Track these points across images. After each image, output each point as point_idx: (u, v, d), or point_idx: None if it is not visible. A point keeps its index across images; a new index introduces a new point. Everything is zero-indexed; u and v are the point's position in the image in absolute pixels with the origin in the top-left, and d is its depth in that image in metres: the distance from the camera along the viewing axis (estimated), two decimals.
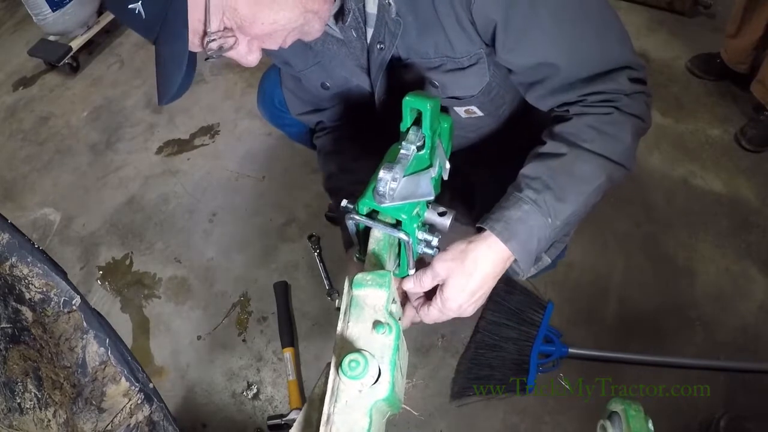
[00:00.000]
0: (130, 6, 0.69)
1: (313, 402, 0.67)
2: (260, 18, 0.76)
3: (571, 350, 1.61)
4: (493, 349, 1.63)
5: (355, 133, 1.28)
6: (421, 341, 1.71)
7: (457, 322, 0.96)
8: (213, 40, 0.75)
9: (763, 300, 1.74)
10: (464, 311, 0.90)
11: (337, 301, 0.71)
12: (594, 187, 0.89)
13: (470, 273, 0.86)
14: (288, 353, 1.68)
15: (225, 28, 0.76)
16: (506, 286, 1.71)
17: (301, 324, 1.79)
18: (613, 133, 0.89)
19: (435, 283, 0.88)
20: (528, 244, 0.87)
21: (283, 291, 1.83)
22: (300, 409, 1.56)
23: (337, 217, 1.98)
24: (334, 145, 1.30)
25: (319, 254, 1.93)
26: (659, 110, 2.29)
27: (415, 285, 0.89)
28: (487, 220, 0.88)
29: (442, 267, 0.87)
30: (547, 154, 0.90)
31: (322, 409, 0.60)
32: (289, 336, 1.73)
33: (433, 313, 0.91)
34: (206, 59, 0.78)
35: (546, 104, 0.97)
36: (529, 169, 0.91)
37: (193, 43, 0.75)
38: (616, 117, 0.89)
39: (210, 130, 2.43)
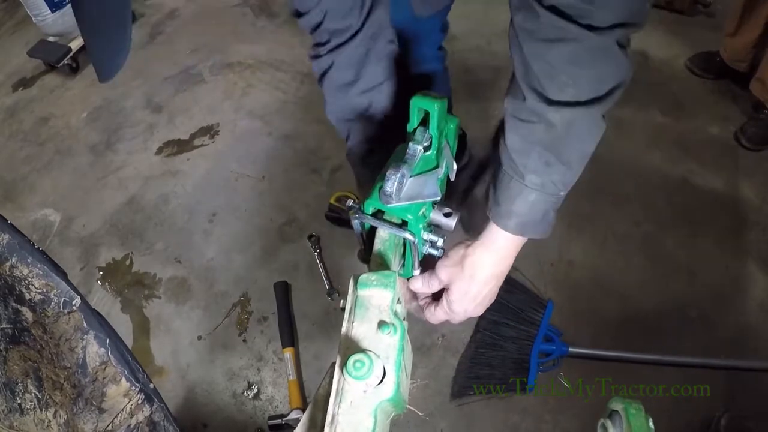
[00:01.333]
0: None
1: (317, 402, 0.67)
2: None
3: (571, 349, 1.61)
4: (494, 349, 1.63)
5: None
6: (422, 341, 1.71)
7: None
8: None
9: (763, 298, 1.74)
10: (471, 313, 0.89)
11: (341, 301, 0.70)
12: (598, 136, 0.80)
13: (471, 277, 0.85)
14: (288, 353, 1.69)
15: None
16: (506, 285, 1.70)
17: (301, 324, 1.79)
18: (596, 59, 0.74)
19: (441, 287, 0.88)
20: (543, 223, 0.83)
21: (283, 291, 1.83)
22: (300, 409, 1.57)
23: (336, 218, 1.98)
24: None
25: (319, 254, 1.93)
26: (659, 109, 2.29)
27: (423, 286, 0.89)
28: (497, 216, 0.83)
29: (444, 273, 0.86)
30: (535, 116, 0.78)
31: (326, 410, 0.60)
32: (289, 336, 1.73)
33: (439, 315, 0.90)
34: None
35: None
36: (519, 144, 0.80)
37: None
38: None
39: (210, 131, 2.43)
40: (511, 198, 0.81)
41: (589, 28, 0.70)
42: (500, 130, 0.84)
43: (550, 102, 0.75)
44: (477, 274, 0.85)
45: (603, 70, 0.74)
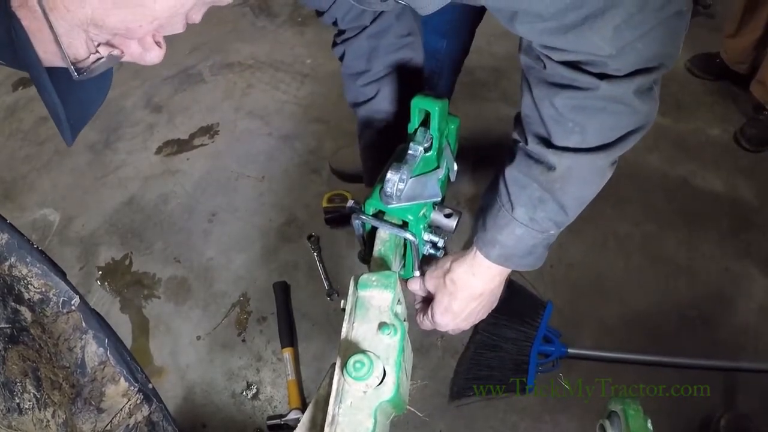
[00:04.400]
0: None
1: (317, 402, 0.67)
2: (135, 21, 0.59)
3: (570, 350, 1.61)
4: (493, 350, 1.63)
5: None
6: (421, 341, 1.70)
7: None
8: (92, 62, 0.62)
9: (763, 299, 1.74)
10: (456, 327, 0.88)
11: (342, 301, 0.69)
12: (599, 185, 0.78)
13: (451, 294, 0.84)
14: (287, 353, 1.68)
15: (100, 45, 0.62)
16: (505, 286, 1.71)
17: (300, 324, 1.79)
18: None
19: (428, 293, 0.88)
20: (529, 257, 0.82)
21: (282, 291, 1.83)
22: (299, 409, 1.57)
23: (334, 218, 1.97)
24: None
25: (319, 254, 1.92)
26: (659, 110, 2.29)
27: (420, 288, 0.89)
28: (481, 242, 0.82)
29: (430, 282, 0.86)
30: (536, 158, 0.76)
31: (326, 410, 0.60)
32: (288, 336, 1.73)
33: (426, 324, 0.90)
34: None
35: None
36: (515, 175, 0.78)
37: (74, 75, 0.62)
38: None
39: (209, 130, 2.43)
40: (499, 227, 0.80)
41: (601, 77, 0.67)
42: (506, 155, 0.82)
43: (553, 147, 0.73)
44: (457, 292, 0.84)
45: (615, 119, 0.71)
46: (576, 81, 0.68)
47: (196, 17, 0.68)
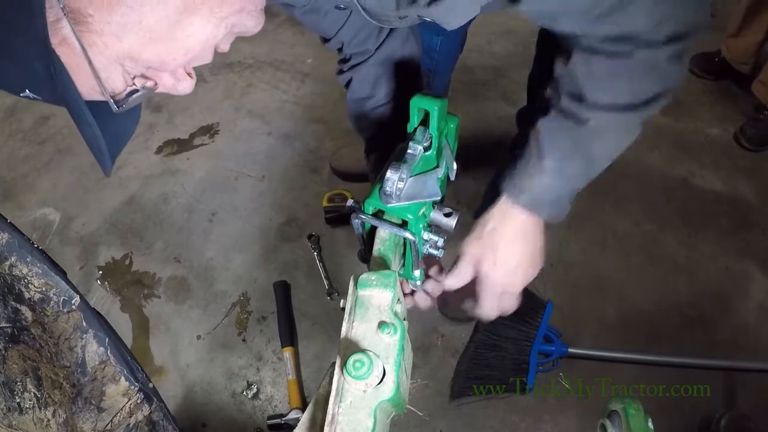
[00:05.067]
0: (22, 95, 0.63)
1: (317, 402, 0.67)
2: (169, 54, 0.63)
3: (570, 350, 1.61)
4: (493, 349, 1.63)
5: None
6: (421, 341, 1.70)
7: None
8: (128, 95, 0.65)
9: (762, 299, 1.74)
10: (512, 285, 0.89)
11: (341, 301, 0.69)
12: (628, 142, 0.82)
13: (493, 244, 0.85)
14: (288, 353, 1.68)
15: (135, 77, 0.65)
16: None
17: (300, 323, 1.79)
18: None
19: (473, 270, 0.88)
20: (554, 206, 0.85)
21: (282, 290, 1.83)
22: (299, 409, 1.57)
23: (335, 217, 1.98)
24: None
25: (319, 253, 1.93)
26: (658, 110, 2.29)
27: (458, 280, 0.88)
28: (509, 189, 0.85)
29: (472, 249, 0.86)
30: (567, 113, 0.80)
31: (326, 409, 0.60)
32: (288, 335, 1.73)
33: (486, 304, 0.89)
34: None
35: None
36: (547, 127, 0.82)
37: (114, 107, 0.65)
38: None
39: (210, 130, 2.43)
40: (529, 176, 0.83)
41: (638, 44, 0.71)
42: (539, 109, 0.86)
43: (585, 102, 0.77)
44: (498, 242, 0.85)
45: (647, 82, 0.75)
46: (613, 49, 0.72)
47: (225, 47, 0.71)
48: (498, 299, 0.90)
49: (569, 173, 0.82)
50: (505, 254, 0.85)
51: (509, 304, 0.93)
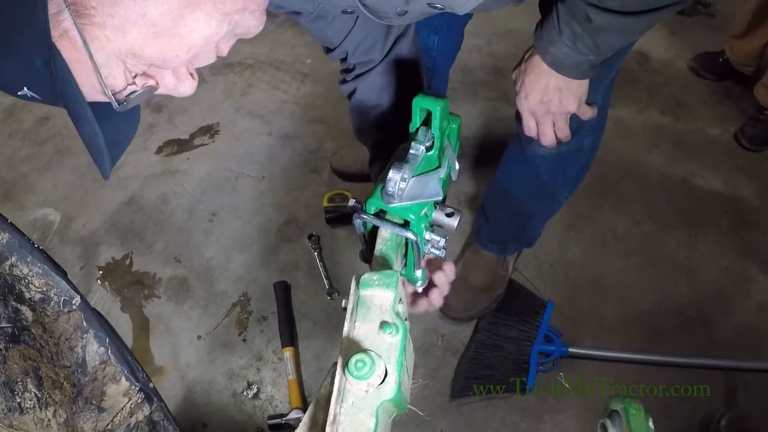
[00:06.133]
0: (20, 93, 0.60)
1: (319, 402, 0.67)
2: (172, 50, 0.61)
3: (571, 350, 1.61)
4: (493, 349, 1.63)
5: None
6: (422, 341, 1.71)
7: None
8: (129, 94, 0.64)
9: (762, 299, 1.74)
10: (534, 106, 1.03)
11: (343, 301, 0.69)
12: (630, 40, 0.97)
13: (529, 71, 1.00)
14: (288, 353, 1.68)
15: (137, 76, 0.64)
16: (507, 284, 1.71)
17: (301, 323, 1.79)
18: None
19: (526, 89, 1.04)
20: (576, 69, 0.95)
21: (283, 290, 1.83)
22: (300, 409, 1.57)
23: (335, 217, 1.98)
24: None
25: (319, 254, 1.93)
26: (659, 109, 2.29)
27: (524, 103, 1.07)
28: (538, 47, 0.97)
29: (515, 74, 1.05)
30: (575, 7, 0.88)
31: (328, 409, 0.60)
32: (289, 335, 1.73)
33: (545, 131, 1.07)
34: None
35: None
36: (563, 12, 0.90)
37: (115, 105, 0.64)
38: None
39: (210, 130, 2.43)
40: (551, 41, 0.93)
41: None
42: None
43: (593, 6, 0.85)
44: (533, 71, 0.99)
45: None
46: None
47: (225, 49, 0.70)
48: (547, 122, 1.04)
49: (581, 49, 0.91)
50: (534, 78, 0.99)
51: (561, 125, 1.07)
